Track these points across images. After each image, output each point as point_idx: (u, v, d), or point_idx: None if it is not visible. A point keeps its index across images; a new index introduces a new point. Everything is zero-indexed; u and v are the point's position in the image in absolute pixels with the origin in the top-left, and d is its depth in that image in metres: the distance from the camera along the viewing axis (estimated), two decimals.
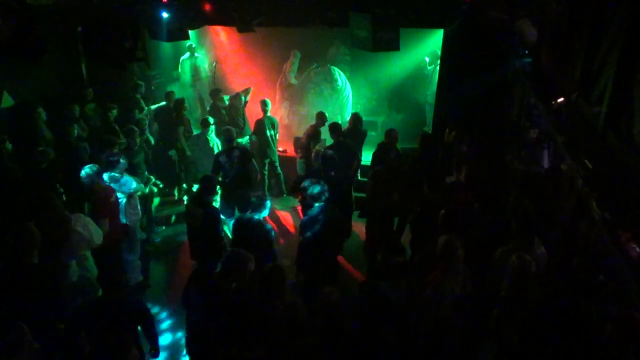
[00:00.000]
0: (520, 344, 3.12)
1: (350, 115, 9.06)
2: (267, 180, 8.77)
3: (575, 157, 3.84)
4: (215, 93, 9.24)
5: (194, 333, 4.21)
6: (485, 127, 6.99)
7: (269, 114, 8.60)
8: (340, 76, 10.25)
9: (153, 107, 9.50)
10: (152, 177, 7.46)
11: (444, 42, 7.70)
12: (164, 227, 8.06)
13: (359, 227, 7.37)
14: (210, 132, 8.00)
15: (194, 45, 11.02)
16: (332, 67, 10.37)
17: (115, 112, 8.17)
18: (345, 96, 10.27)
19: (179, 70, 11.31)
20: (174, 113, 8.54)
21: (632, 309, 3.03)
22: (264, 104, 8.53)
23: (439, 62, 8.67)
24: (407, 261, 5.05)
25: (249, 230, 4.98)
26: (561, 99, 4.36)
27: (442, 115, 7.81)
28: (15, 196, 5.39)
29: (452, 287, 3.91)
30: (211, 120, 8.11)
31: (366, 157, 8.60)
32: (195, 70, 11.13)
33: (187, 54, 10.97)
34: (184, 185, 8.96)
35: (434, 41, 9.81)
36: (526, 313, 3.45)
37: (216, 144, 8.09)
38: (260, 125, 8.49)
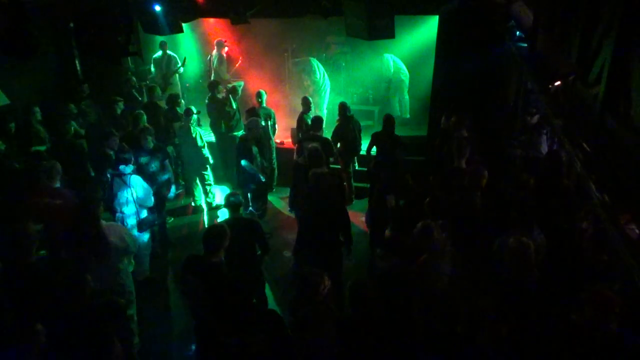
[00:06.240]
0: (513, 328, 3.11)
1: (327, 107, 10.17)
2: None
3: (573, 140, 3.83)
4: (214, 85, 9.09)
5: (198, 321, 4.21)
6: (482, 113, 6.95)
7: (264, 104, 8.53)
8: (318, 68, 10.12)
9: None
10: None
11: (440, 27, 7.63)
12: (172, 219, 8.11)
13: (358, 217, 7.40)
14: (193, 121, 7.76)
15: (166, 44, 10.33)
16: (312, 59, 10.24)
17: (121, 105, 8.10)
18: (323, 88, 10.15)
19: (151, 68, 10.56)
20: (168, 108, 8.42)
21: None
22: (258, 95, 8.50)
23: None
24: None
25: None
26: (558, 82, 4.34)
27: (439, 101, 7.77)
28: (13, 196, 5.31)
29: (438, 267, 3.95)
30: (194, 109, 7.91)
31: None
32: (166, 69, 10.32)
33: (160, 52, 10.26)
34: (181, 181, 8.92)
35: (429, 27, 9.73)
36: (523, 296, 3.45)
37: (198, 133, 7.84)
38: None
